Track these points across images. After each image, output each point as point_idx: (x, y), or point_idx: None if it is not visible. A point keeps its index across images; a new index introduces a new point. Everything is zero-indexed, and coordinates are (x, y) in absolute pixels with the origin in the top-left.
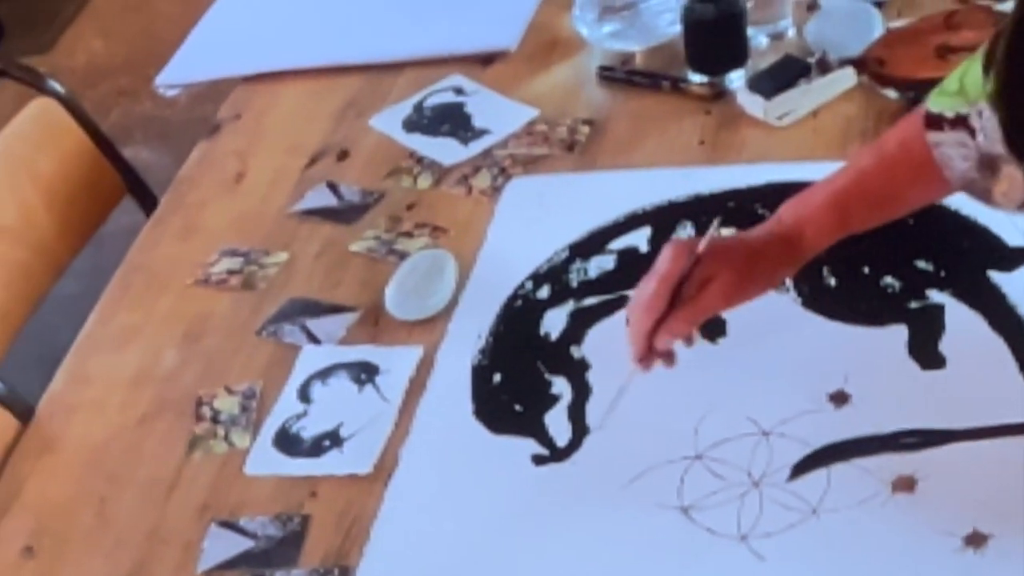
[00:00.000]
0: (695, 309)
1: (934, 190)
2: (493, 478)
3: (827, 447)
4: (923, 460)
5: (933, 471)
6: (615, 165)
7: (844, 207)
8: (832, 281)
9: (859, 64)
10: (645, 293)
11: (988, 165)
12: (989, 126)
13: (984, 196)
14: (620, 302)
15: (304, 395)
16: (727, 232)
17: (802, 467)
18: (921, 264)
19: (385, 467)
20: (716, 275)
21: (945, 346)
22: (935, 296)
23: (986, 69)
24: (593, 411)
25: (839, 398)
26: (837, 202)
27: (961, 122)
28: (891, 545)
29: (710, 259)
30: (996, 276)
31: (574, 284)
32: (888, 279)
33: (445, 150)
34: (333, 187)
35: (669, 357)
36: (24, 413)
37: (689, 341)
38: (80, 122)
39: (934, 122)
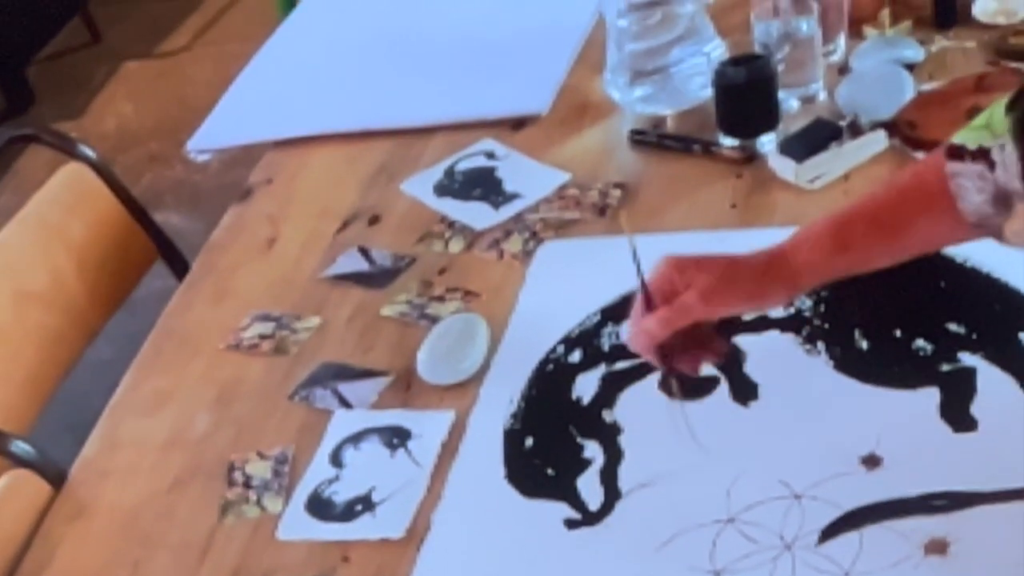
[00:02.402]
0: (672, 309)
1: (942, 223)
2: (525, 542)
3: (855, 511)
4: (955, 523)
5: (965, 534)
6: (646, 229)
7: (844, 229)
8: (864, 344)
9: (890, 127)
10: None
11: (1003, 200)
12: (1010, 161)
13: (995, 233)
14: (652, 366)
15: (336, 460)
16: None
17: (831, 531)
18: (953, 327)
19: (417, 531)
20: (696, 279)
21: (977, 409)
22: (967, 359)
23: (1009, 109)
24: (625, 475)
25: (871, 461)
26: (837, 223)
27: (983, 155)
28: None
29: (691, 267)
30: None
31: (606, 348)
32: (920, 342)
33: (476, 214)
34: (365, 252)
35: (686, 364)
36: (56, 478)
37: (693, 373)
38: (111, 187)
39: (955, 152)
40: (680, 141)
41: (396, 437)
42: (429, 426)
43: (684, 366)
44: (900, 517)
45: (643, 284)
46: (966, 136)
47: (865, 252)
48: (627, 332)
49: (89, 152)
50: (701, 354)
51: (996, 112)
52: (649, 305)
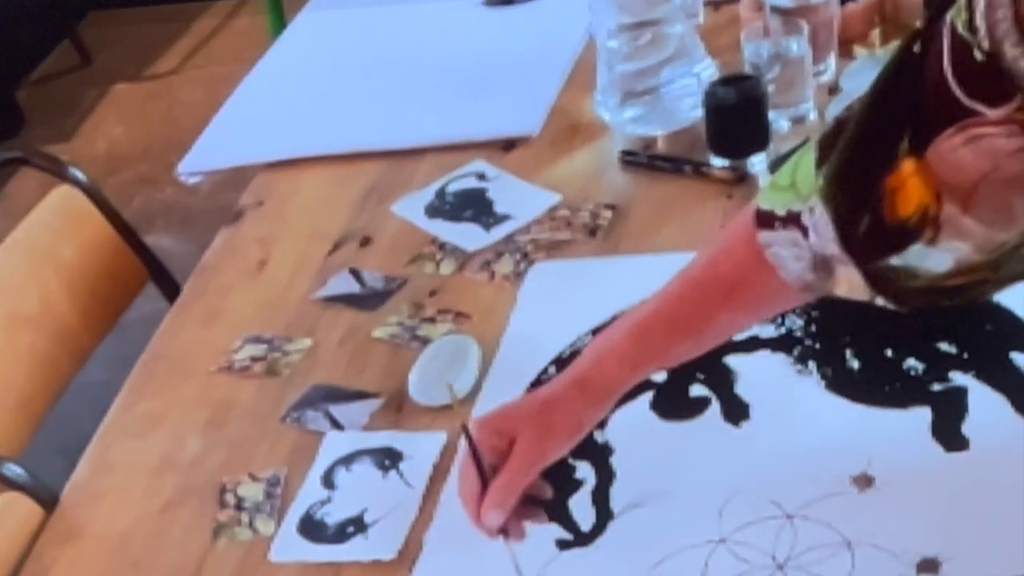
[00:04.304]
0: (507, 475)
1: (766, 300)
2: (517, 563)
3: None
4: (948, 542)
5: (957, 553)
6: (637, 250)
7: (644, 339)
8: (855, 364)
9: None
10: (459, 476)
11: (822, 266)
12: (822, 224)
13: (827, 293)
14: (642, 386)
15: (328, 481)
16: None
17: None
18: (944, 346)
19: (409, 553)
20: (517, 437)
21: (968, 428)
22: (958, 378)
23: (819, 164)
24: (617, 495)
25: (863, 481)
26: (636, 333)
27: (793, 220)
28: None
29: (503, 423)
30: (1019, 358)
31: None
32: (911, 361)
33: (467, 236)
34: (356, 273)
35: (516, 528)
36: (48, 501)
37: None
38: (102, 210)
39: (765, 220)
40: (671, 162)
41: (388, 459)
42: (421, 447)
43: (515, 530)
44: None
45: (477, 461)
46: (773, 199)
47: (675, 354)
48: (466, 509)
49: (79, 175)
50: (527, 510)
51: (801, 170)
52: (482, 476)
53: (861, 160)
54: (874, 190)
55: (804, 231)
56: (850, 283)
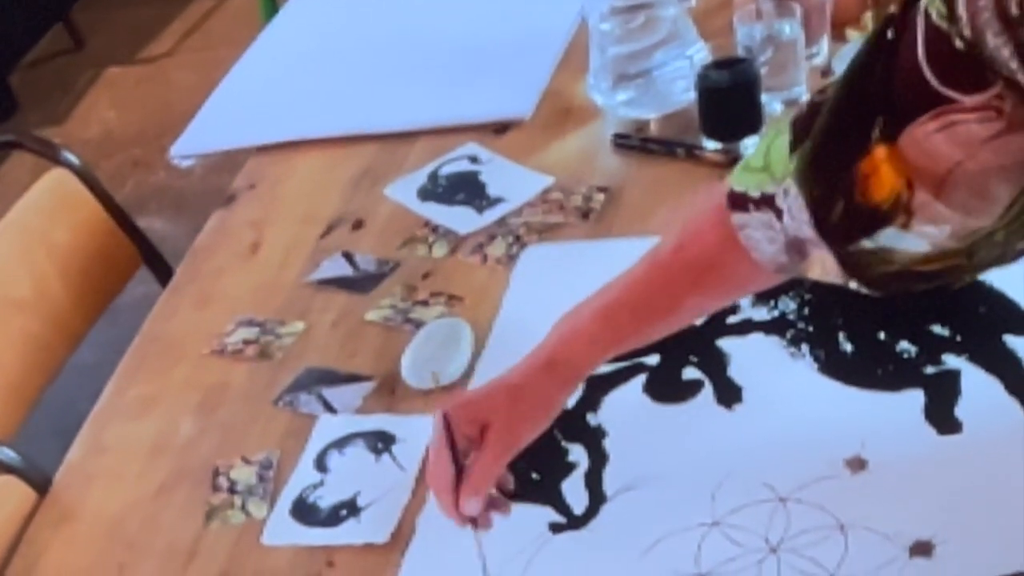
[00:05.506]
0: (482, 462)
1: (738, 281)
2: (510, 546)
3: None
4: (941, 524)
5: (951, 536)
6: (630, 232)
7: (611, 321)
8: (848, 347)
9: None
10: (430, 465)
11: (796, 249)
12: (796, 207)
13: (801, 275)
14: (635, 369)
15: (321, 464)
16: None
17: None
18: (937, 329)
19: (402, 536)
20: (489, 424)
21: (961, 411)
22: (951, 361)
23: (793, 147)
24: (610, 478)
25: (856, 464)
26: (603, 315)
27: (767, 202)
28: None
29: (474, 409)
30: (1012, 341)
31: None
32: (904, 344)
33: (460, 219)
34: (348, 256)
35: (499, 507)
36: (42, 484)
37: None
38: (95, 193)
39: (738, 202)
40: (663, 145)
41: (381, 442)
42: (414, 430)
43: (484, 520)
44: None
45: (453, 449)
46: (746, 180)
47: (644, 335)
48: (438, 497)
49: (72, 158)
50: (493, 501)
51: (774, 152)
52: (457, 464)
53: (835, 146)
54: (848, 175)
55: (778, 213)
56: (823, 266)
